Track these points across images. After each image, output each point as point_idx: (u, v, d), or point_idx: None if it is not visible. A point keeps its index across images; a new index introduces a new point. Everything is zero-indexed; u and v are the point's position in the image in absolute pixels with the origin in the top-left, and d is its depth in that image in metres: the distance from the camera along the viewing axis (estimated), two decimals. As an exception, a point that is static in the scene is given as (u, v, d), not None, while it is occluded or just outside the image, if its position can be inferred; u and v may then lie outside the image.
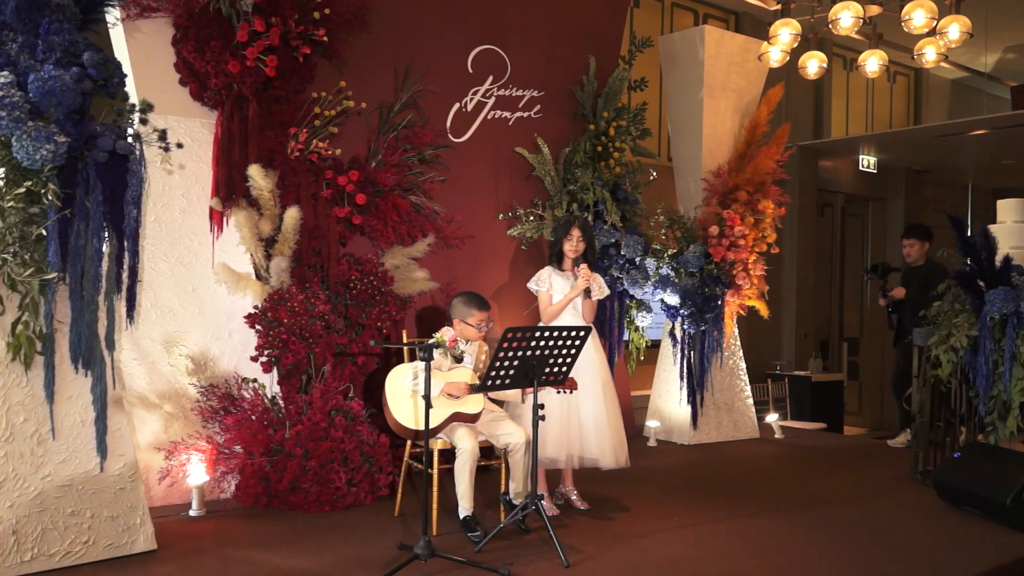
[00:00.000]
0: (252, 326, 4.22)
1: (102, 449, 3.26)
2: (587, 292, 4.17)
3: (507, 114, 5.59)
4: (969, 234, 4.75)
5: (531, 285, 4.31)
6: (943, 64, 5.91)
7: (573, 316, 4.20)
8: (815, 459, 5.66)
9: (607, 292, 4.35)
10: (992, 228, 4.86)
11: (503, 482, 3.92)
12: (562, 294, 4.21)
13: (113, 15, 3.76)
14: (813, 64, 5.69)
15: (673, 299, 5.91)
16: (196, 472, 4.00)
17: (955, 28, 5.14)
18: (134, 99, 3.42)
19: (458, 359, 3.87)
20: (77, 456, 3.23)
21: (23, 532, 3.08)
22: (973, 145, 9.13)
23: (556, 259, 4.30)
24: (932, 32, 5.17)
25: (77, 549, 3.19)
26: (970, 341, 4.55)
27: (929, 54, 5.41)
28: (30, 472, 3.12)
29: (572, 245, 4.24)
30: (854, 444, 6.65)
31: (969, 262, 4.62)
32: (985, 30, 8.20)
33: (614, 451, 4.13)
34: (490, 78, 5.49)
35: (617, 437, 4.16)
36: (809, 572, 3.35)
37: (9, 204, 3.02)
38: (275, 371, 4.29)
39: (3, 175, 3.04)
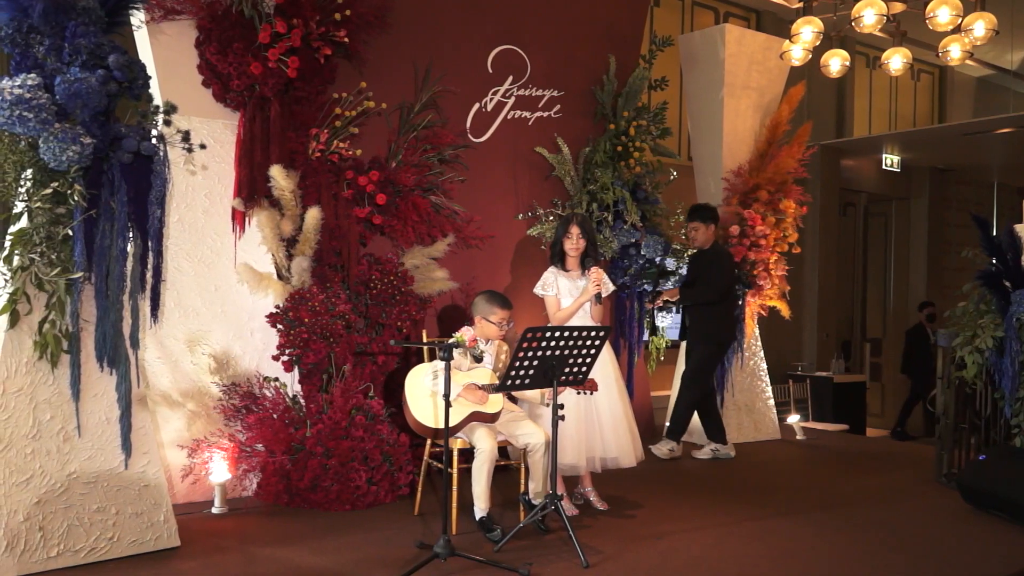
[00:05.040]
0: (273, 325, 4.25)
1: (127, 447, 3.30)
2: (597, 297, 4.09)
3: (527, 114, 5.59)
4: (994, 234, 4.69)
5: (537, 290, 4.24)
6: (968, 62, 5.83)
7: (583, 319, 4.17)
8: (837, 461, 5.61)
9: (612, 288, 4.31)
10: (1018, 227, 4.79)
11: (522, 482, 3.92)
12: (570, 296, 4.16)
13: (138, 18, 3.83)
14: (836, 62, 5.64)
15: (693, 299, 5.88)
16: (218, 470, 4.03)
17: (980, 25, 5.07)
18: (158, 101, 3.46)
19: (478, 359, 3.87)
20: (102, 453, 3.27)
21: (49, 528, 3.12)
22: (998, 143, 9.02)
23: (558, 259, 4.25)
24: (957, 29, 5.11)
25: (102, 545, 3.24)
26: (996, 342, 4.49)
27: (954, 51, 5.34)
28: (56, 469, 3.16)
29: (572, 243, 4.18)
30: (876, 446, 6.60)
31: (994, 262, 4.57)
32: (1011, 27, 8.10)
33: (633, 448, 4.17)
34: (510, 78, 5.50)
35: (633, 433, 4.19)
36: (830, 575, 3.33)
37: (36, 205, 3.07)
38: (296, 370, 4.32)
39: (30, 176, 3.09)
